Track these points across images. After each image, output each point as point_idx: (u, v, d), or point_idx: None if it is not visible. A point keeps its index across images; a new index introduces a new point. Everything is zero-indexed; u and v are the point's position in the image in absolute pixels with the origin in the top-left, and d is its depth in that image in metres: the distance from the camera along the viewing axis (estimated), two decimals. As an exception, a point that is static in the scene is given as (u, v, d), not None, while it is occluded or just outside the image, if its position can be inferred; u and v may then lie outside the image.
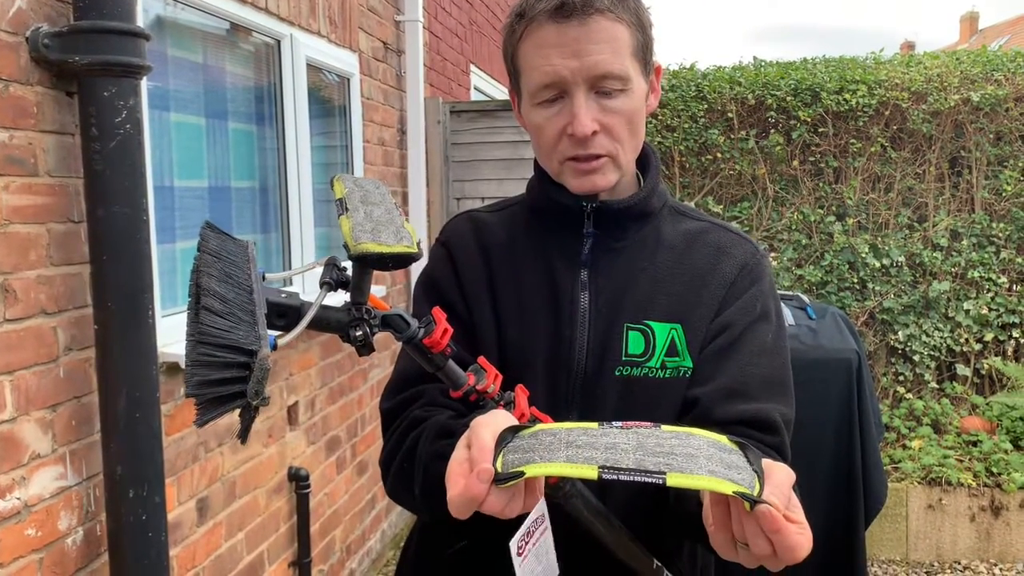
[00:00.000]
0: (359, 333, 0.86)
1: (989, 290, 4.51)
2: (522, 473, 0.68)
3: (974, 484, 3.69)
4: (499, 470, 0.69)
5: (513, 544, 0.82)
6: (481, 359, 0.95)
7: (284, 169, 2.89)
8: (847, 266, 4.54)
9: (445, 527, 1.07)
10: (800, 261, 4.61)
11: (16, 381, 1.61)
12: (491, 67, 5.87)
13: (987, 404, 4.36)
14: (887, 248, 4.51)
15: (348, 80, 3.40)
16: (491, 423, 0.74)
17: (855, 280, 4.54)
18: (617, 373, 1.02)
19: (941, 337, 4.51)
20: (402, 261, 0.88)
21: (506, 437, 0.72)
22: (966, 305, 4.51)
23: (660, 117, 4.66)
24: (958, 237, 4.54)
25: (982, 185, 4.52)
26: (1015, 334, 4.51)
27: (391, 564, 3.63)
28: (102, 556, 1.83)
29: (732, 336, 1.04)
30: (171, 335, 2.05)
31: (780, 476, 0.69)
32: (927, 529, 3.70)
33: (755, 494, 0.65)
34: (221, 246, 0.86)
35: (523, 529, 0.83)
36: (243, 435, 0.78)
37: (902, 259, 4.51)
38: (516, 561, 0.83)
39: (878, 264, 4.50)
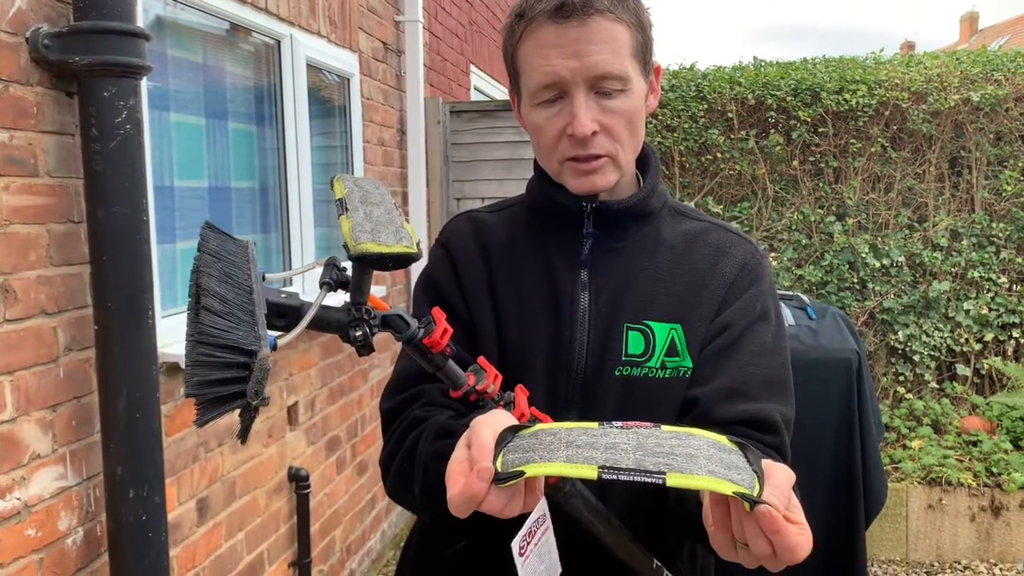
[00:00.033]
0: (359, 333, 0.86)
1: (989, 290, 4.52)
2: (522, 473, 0.68)
3: (974, 484, 3.69)
4: (499, 470, 0.69)
5: (515, 545, 0.82)
6: (481, 359, 0.95)
7: (284, 169, 2.89)
8: (847, 266, 4.54)
9: (445, 527, 1.07)
10: (800, 261, 4.61)
11: (16, 381, 1.61)
12: (491, 67, 5.87)
13: (987, 404, 4.36)
14: (887, 248, 4.51)
15: (348, 80, 3.40)
16: (491, 423, 0.74)
17: (855, 280, 4.54)
18: (617, 373, 1.02)
19: (941, 337, 4.51)
20: (402, 261, 0.88)
21: (506, 437, 0.72)
22: (966, 305, 4.51)
23: (660, 117, 4.66)
24: (958, 237, 4.54)
25: (982, 185, 4.52)
26: (1015, 334, 4.51)
27: (391, 564, 3.63)
28: (102, 556, 1.83)
29: (732, 336, 1.04)
30: (171, 335, 2.05)
31: (780, 476, 0.69)
32: (927, 529, 3.70)
33: (755, 494, 0.65)
34: (221, 246, 0.87)
35: (524, 529, 0.83)
36: (243, 435, 0.78)
37: (902, 259, 4.51)
38: (518, 561, 0.83)
39: (878, 264, 4.51)
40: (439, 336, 0.88)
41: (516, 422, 0.75)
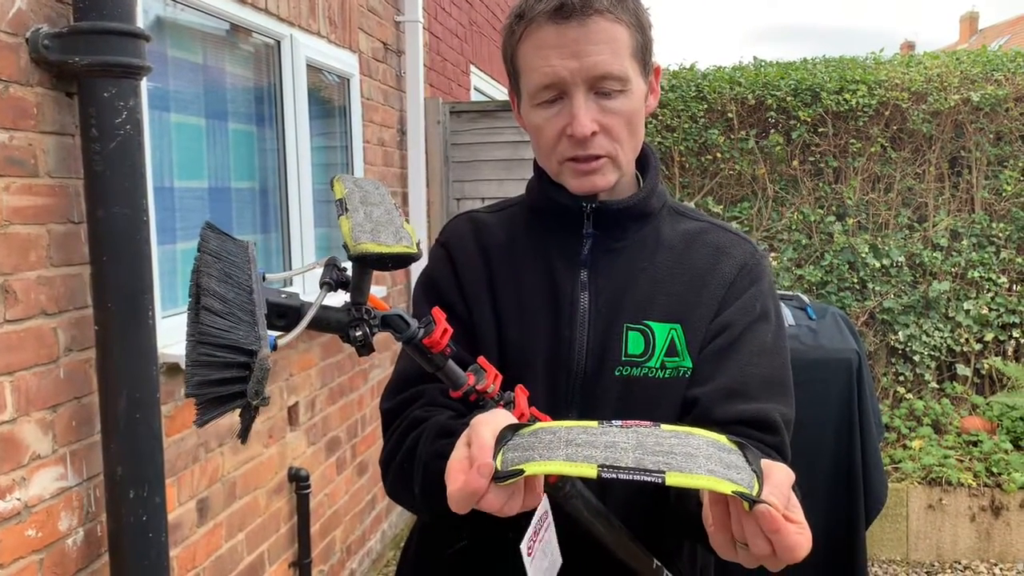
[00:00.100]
0: (359, 333, 0.86)
1: (989, 290, 4.52)
2: (521, 471, 0.68)
3: (974, 484, 3.69)
4: (499, 468, 0.69)
5: (524, 547, 0.83)
6: (481, 359, 0.95)
7: (284, 170, 2.89)
8: (847, 266, 4.54)
9: (445, 527, 1.07)
10: (800, 261, 4.61)
11: (16, 382, 1.61)
12: (491, 67, 5.87)
13: (987, 404, 4.36)
14: (887, 248, 4.51)
15: (348, 81, 3.40)
16: (491, 421, 0.74)
17: (855, 280, 4.54)
18: (617, 373, 1.02)
19: (941, 337, 4.51)
20: (401, 261, 0.88)
21: (506, 435, 0.72)
22: (966, 305, 4.51)
23: (660, 117, 4.66)
24: (958, 237, 4.54)
25: (982, 185, 4.52)
26: (1015, 334, 4.51)
27: (391, 564, 3.63)
28: (102, 557, 1.83)
29: (732, 336, 1.04)
30: (171, 336, 2.05)
31: (779, 476, 0.70)
32: (927, 529, 3.70)
33: (754, 494, 0.66)
34: (221, 246, 0.87)
35: (531, 530, 0.83)
36: (243, 435, 0.78)
37: (902, 259, 4.51)
38: (527, 561, 0.83)
39: (878, 264, 4.51)
40: (439, 336, 0.88)
41: (516, 421, 0.75)
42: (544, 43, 0.97)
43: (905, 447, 4.05)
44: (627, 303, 1.04)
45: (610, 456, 0.67)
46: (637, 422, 0.72)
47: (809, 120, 4.51)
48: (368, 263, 0.87)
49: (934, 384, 4.55)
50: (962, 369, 4.55)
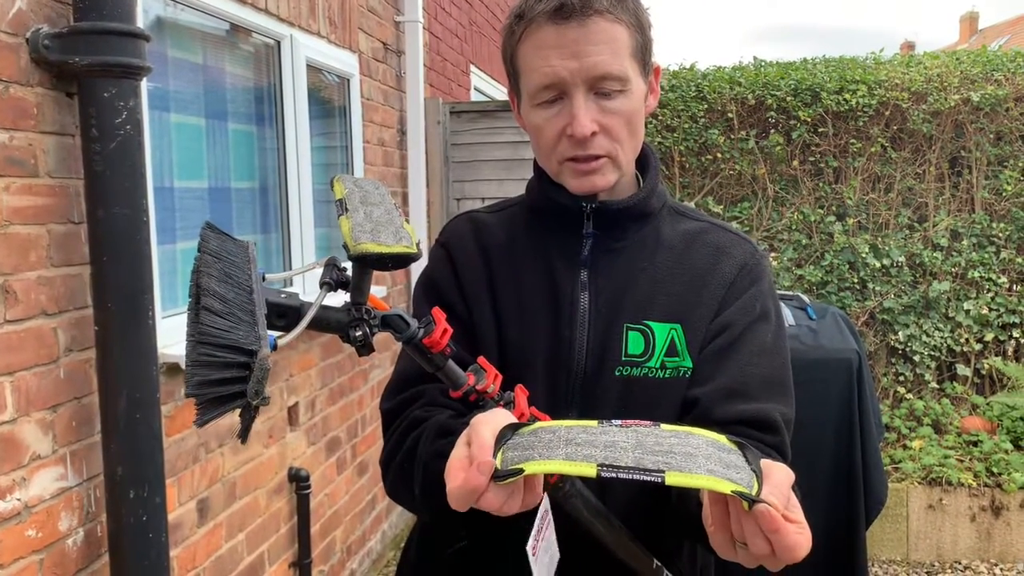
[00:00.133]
0: (359, 333, 0.86)
1: (989, 290, 4.51)
2: (521, 470, 0.68)
3: (974, 484, 3.69)
4: (498, 467, 0.69)
5: (529, 548, 0.83)
6: (481, 359, 0.95)
7: (284, 170, 2.89)
8: (847, 266, 4.54)
9: (445, 527, 1.07)
10: (800, 261, 4.61)
11: (16, 382, 1.61)
12: (491, 68, 5.87)
13: (987, 404, 4.36)
14: (887, 248, 4.51)
15: (348, 81, 3.40)
16: (491, 421, 0.74)
17: (855, 280, 4.54)
18: (617, 373, 1.02)
19: (941, 337, 4.51)
20: (401, 261, 0.88)
21: (506, 434, 0.72)
22: (966, 305, 4.51)
23: (660, 117, 4.66)
24: (958, 237, 4.54)
25: (982, 185, 4.52)
26: (1015, 334, 4.51)
27: (391, 565, 3.63)
28: (102, 557, 1.83)
29: (732, 336, 1.04)
30: (171, 336, 2.05)
31: (779, 476, 0.70)
32: (928, 529, 3.70)
33: (753, 493, 0.66)
34: (221, 246, 0.87)
35: (534, 530, 0.83)
36: (243, 435, 0.78)
37: (902, 259, 4.51)
38: (532, 560, 0.83)
39: (878, 264, 4.51)
40: (439, 336, 0.88)
41: (516, 421, 0.75)
42: (544, 43, 0.97)
43: (905, 447, 4.05)
44: (627, 303, 1.04)
45: (610, 455, 0.67)
46: (637, 422, 0.72)
47: (809, 120, 4.51)
48: (368, 263, 0.87)
49: (934, 384, 4.55)
50: (962, 369, 4.55)
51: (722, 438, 0.71)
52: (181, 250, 2.32)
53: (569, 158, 1.01)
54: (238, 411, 0.73)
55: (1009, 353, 4.54)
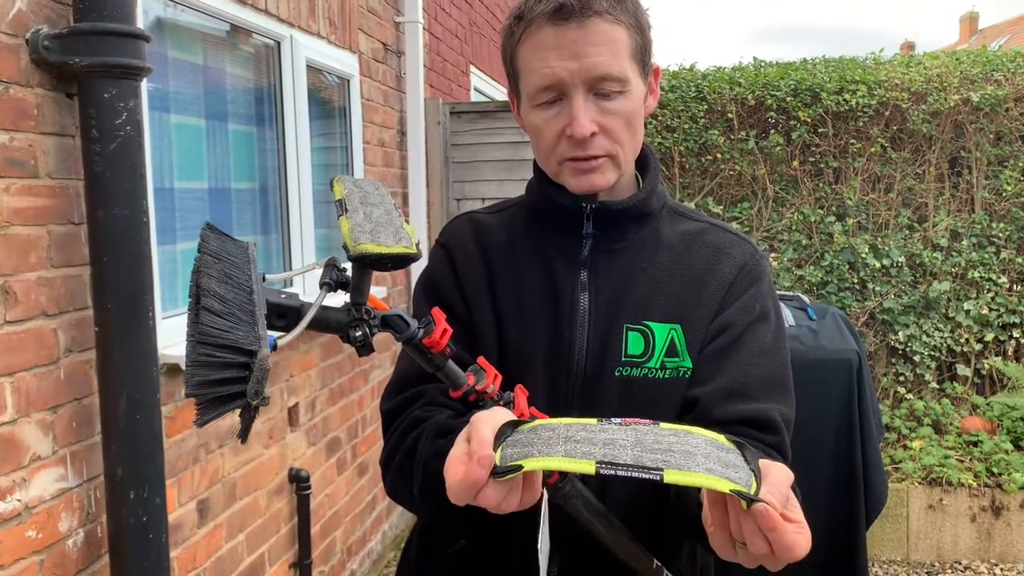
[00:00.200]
0: (359, 333, 0.87)
1: (989, 290, 4.51)
2: (520, 467, 0.68)
3: (975, 484, 3.69)
4: (498, 464, 0.69)
5: (540, 545, 0.83)
6: (481, 359, 0.95)
7: (284, 170, 2.89)
8: (847, 266, 4.54)
9: (445, 527, 1.07)
10: (800, 261, 4.61)
11: (17, 383, 1.61)
12: (491, 68, 5.87)
13: (988, 404, 4.36)
14: (887, 248, 4.51)
15: (348, 81, 3.40)
16: (490, 418, 0.74)
17: (855, 280, 4.54)
18: (617, 374, 1.03)
19: (941, 337, 4.51)
20: (401, 262, 0.88)
21: (505, 431, 0.73)
22: (966, 305, 4.51)
23: (660, 118, 4.66)
24: (958, 237, 4.54)
25: (982, 185, 4.52)
26: (1015, 334, 4.51)
27: (392, 565, 3.63)
28: (103, 558, 1.83)
29: (732, 336, 1.04)
30: (171, 337, 2.05)
31: (777, 475, 0.70)
32: (928, 529, 3.70)
33: (752, 492, 0.66)
34: (221, 247, 0.87)
35: (541, 527, 0.83)
36: (243, 435, 0.78)
37: (902, 259, 4.51)
38: (542, 556, 0.83)
39: (878, 264, 4.51)
40: (439, 336, 0.89)
41: (515, 418, 0.75)
42: (543, 44, 0.97)
43: (905, 447, 4.05)
44: (627, 303, 1.04)
45: (609, 453, 0.67)
46: (636, 420, 0.72)
47: (809, 120, 4.51)
48: (368, 263, 0.87)
49: (934, 384, 4.55)
50: (962, 369, 4.55)
51: (721, 437, 0.71)
52: (181, 251, 2.32)
53: (568, 158, 1.01)
54: (238, 411, 0.73)
55: (1009, 353, 4.54)
